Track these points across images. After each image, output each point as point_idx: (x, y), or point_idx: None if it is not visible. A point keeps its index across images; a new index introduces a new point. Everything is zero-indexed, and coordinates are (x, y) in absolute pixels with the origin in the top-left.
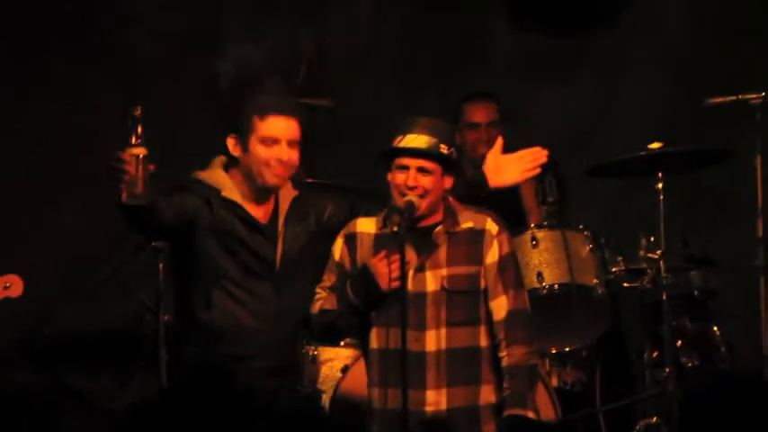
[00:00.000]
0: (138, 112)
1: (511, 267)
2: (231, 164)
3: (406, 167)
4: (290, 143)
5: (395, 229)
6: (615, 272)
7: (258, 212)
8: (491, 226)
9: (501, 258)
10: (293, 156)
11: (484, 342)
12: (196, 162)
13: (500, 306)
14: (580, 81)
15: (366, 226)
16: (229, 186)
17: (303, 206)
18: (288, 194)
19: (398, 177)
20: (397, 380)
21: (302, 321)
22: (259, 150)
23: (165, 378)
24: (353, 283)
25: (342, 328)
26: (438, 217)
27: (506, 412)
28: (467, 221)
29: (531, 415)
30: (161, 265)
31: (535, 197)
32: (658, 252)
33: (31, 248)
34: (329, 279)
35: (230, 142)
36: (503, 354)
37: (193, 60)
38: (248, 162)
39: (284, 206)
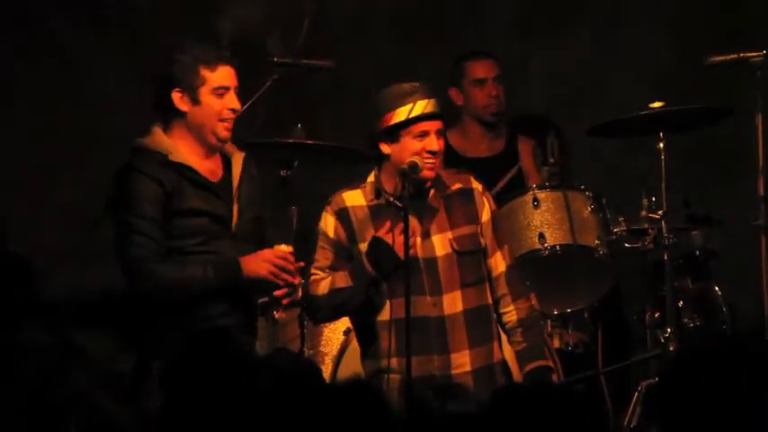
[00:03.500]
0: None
1: (498, 223)
2: (170, 124)
3: (425, 133)
4: (236, 91)
5: (404, 193)
6: (617, 232)
7: (207, 171)
8: (476, 185)
9: (492, 215)
10: (239, 104)
11: (489, 300)
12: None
13: (498, 261)
14: (579, 40)
15: (355, 199)
16: (174, 149)
17: (252, 168)
18: (239, 156)
19: (416, 145)
20: (417, 347)
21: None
22: (211, 101)
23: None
24: (371, 255)
25: (358, 304)
26: (426, 183)
27: (530, 366)
28: (454, 183)
29: (551, 365)
30: None
31: (534, 159)
32: (660, 212)
33: (33, 212)
34: (326, 258)
35: (176, 96)
36: (508, 309)
37: (194, 22)
38: (199, 115)
39: (237, 167)
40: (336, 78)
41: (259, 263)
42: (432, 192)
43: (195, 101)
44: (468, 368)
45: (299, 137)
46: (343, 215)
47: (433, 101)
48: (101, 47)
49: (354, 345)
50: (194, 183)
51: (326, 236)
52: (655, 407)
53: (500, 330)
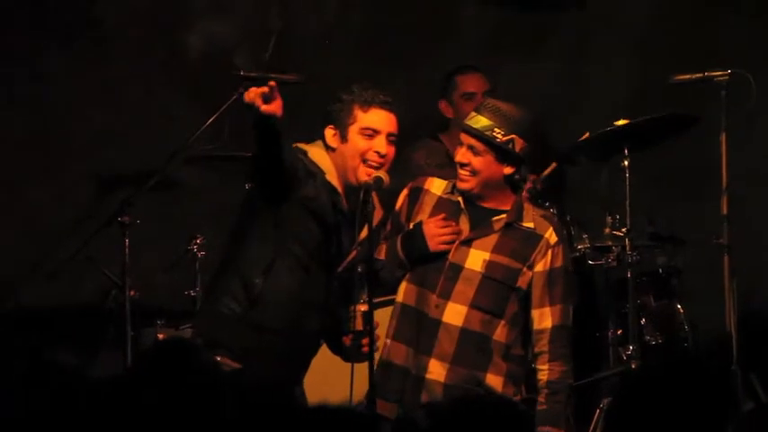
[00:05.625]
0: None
1: (561, 281)
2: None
3: (462, 144)
4: (389, 137)
5: (458, 198)
6: (581, 249)
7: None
8: (551, 235)
9: (552, 269)
10: (391, 150)
11: (500, 337)
12: (165, 136)
13: (543, 316)
14: (547, 58)
15: (435, 186)
16: (333, 172)
17: (382, 232)
18: (378, 214)
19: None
20: (408, 338)
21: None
22: (358, 141)
23: (130, 354)
24: (405, 239)
25: (387, 280)
26: (505, 207)
27: (540, 428)
28: (529, 221)
29: None
30: (127, 241)
31: None
32: (623, 230)
33: None
34: (387, 228)
35: (328, 133)
36: (543, 367)
37: (162, 36)
38: (344, 153)
39: (372, 224)
40: (303, 93)
41: None
42: (501, 216)
43: (344, 138)
44: (441, 379)
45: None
46: (414, 193)
47: (482, 119)
48: (66, 59)
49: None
50: (334, 206)
51: (395, 207)
52: (613, 425)
53: (511, 368)
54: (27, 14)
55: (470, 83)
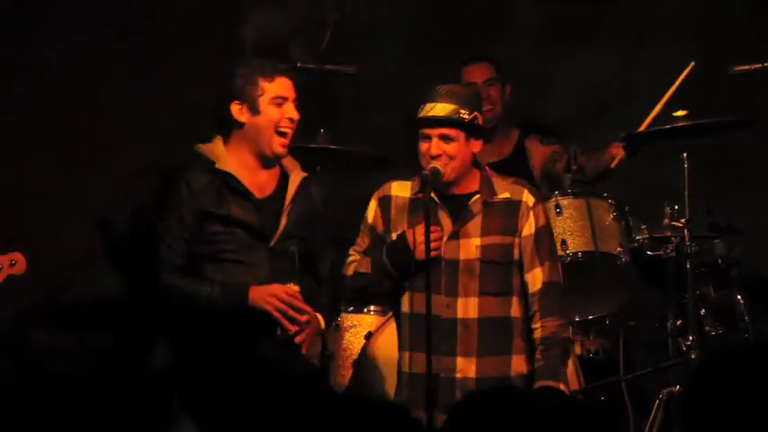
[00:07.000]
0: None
1: (546, 239)
2: (229, 136)
3: (428, 137)
4: (294, 102)
5: (420, 195)
6: (639, 240)
7: (258, 183)
8: (527, 198)
9: (537, 230)
10: (297, 115)
11: (516, 313)
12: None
13: (536, 278)
14: (602, 49)
15: (400, 189)
16: (224, 158)
17: (310, 187)
18: (297, 176)
19: (423, 146)
20: (425, 344)
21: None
22: (271, 111)
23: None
24: (390, 251)
25: (374, 293)
26: (474, 186)
27: (538, 383)
28: (503, 192)
29: (562, 387)
30: None
31: (544, 158)
32: (682, 220)
33: (58, 214)
34: (363, 242)
35: (234, 108)
36: (536, 325)
37: (216, 29)
38: (258, 125)
39: (293, 186)
40: (359, 84)
41: (265, 296)
42: (476, 196)
43: (254, 111)
44: (472, 375)
45: (325, 142)
46: (384, 203)
47: (443, 105)
48: (121, 53)
49: (377, 346)
50: (235, 192)
51: (366, 220)
52: (679, 415)
53: (528, 345)
54: (79, 5)
55: (473, 73)
